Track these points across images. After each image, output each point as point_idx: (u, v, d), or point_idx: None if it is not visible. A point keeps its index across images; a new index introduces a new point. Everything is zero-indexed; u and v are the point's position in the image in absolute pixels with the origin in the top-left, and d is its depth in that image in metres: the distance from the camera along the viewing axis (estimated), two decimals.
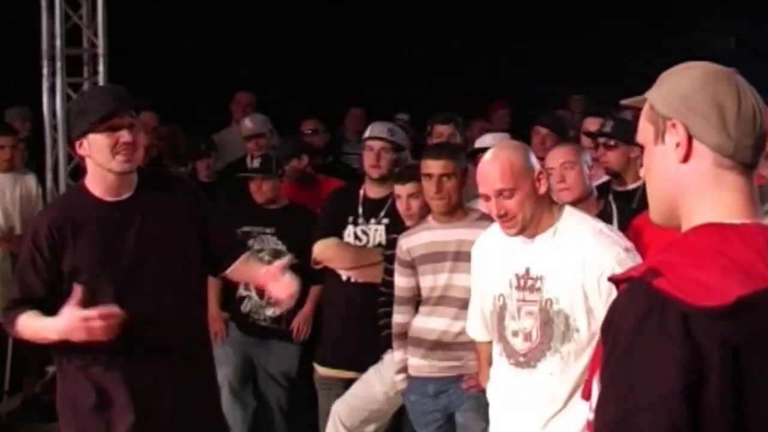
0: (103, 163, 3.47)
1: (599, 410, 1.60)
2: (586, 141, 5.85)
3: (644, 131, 1.75)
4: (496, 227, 3.76)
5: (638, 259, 3.44)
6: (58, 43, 7.02)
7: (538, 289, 3.50)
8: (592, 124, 5.91)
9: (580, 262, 3.44)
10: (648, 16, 11.41)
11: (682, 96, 1.68)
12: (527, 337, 3.53)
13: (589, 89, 9.43)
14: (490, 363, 3.90)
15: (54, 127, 6.96)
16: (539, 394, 3.52)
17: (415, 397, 4.75)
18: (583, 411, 3.13)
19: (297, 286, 3.71)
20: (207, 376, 3.89)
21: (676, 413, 1.48)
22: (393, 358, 4.85)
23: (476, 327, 3.98)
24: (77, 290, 3.32)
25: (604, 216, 4.65)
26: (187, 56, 9.88)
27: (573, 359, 3.45)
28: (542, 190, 3.56)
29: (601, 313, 3.37)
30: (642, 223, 4.06)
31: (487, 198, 3.58)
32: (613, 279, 1.67)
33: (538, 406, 3.54)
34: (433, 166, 4.57)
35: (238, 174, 6.19)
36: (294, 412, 6.27)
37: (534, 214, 3.54)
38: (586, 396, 1.71)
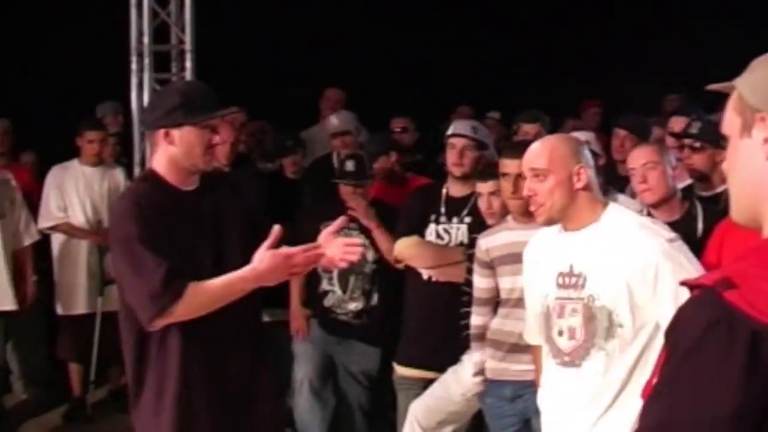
0: (189, 158, 3.47)
1: (646, 410, 1.52)
2: (670, 141, 5.69)
3: (730, 122, 1.62)
4: (544, 230, 3.71)
5: (684, 248, 3.39)
6: (146, 39, 7.11)
7: (582, 286, 3.43)
8: (677, 123, 5.75)
9: (624, 256, 3.36)
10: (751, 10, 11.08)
11: None
12: (572, 335, 3.46)
13: (687, 88, 9.17)
14: None
15: (142, 122, 7.01)
16: (585, 393, 3.43)
17: (491, 400, 4.68)
18: (632, 410, 3.07)
19: (359, 242, 3.77)
20: (266, 367, 3.89)
21: None
22: (471, 359, 4.77)
23: (532, 331, 3.88)
24: (275, 231, 3.28)
25: (689, 218, 4.54)
26: (276, 52, 9.91)
27: (617, 356, 3.36)
28: (579, 185, 3.47)
29: (646, 308, 3.31)
30: (729, 226, 3.92)
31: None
32: (685, 283, 1.56)
33: (585, 406, 3.45)
34: (509, 165, 4.48)
35: (330, 179, 6.14)
36: (374, 412, 6.25)
37: (565, 206, 3.48)
38: (646, 396, 1.61)
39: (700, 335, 1.43)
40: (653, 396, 1.50)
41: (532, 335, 3.89)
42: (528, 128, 6.58)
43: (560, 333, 3.50)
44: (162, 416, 3.52)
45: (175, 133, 3.45)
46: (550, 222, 3.56)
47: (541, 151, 3.54)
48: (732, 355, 1.39)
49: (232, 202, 3.70)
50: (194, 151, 3.45)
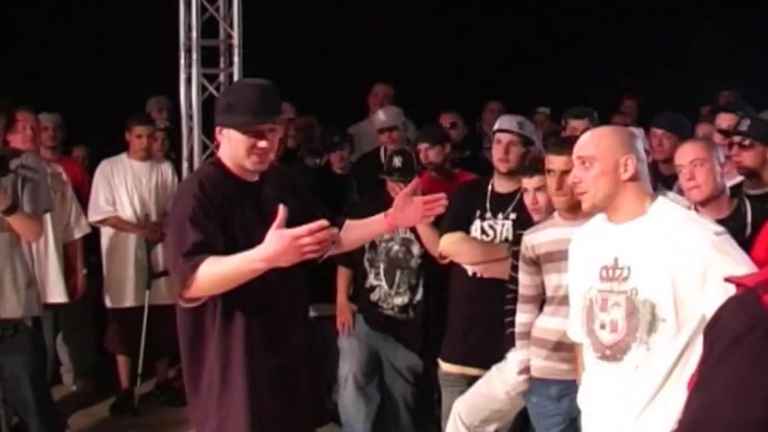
0: (236, 158, 3.61)
1: (688, 402, 1.51)
2: (719, 138, 5.62)
3: None
4: (590, 223, 3.70)
5: (732, 242, 3.33)
6: (194, 34, 7.13)
7: (625, 279, 3.38)
8: (725, 120, 5.68)
9: (669, 249, 3.30)
10: None
11: None
12: (614, 328, 3.41)
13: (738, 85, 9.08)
14: None
15: (190, 117, 7.07)
16: (626, 388, 3.38)
17: (536, 398, 4.64)
18: (673, 406, 3.03)
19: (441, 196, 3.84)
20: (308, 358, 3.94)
21: None
22: (516, 357, 4.74)
23: (576, 327, 3.81)
24: (282, 211, 3.28)
25: (738, 215, 4.48)
26: (324, 47, 9.93)
27: (659, 350, 3.30)
28: (626, 175, 3.43)
29: (692, 302, 3.25)
30: None
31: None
32: (729, 280, 1.54)
33: (626, 401, 3.40)
34: (555, 161, 4.46)
35: (378, 174, 6.15)
36: (420, 408, 6.24)
37: (610, 195, 3.44)
38: (690, 388, 1.59)
39: (736, 338, 1.41)
40: (694, 391, 1.49)
41: (576, 332, 3.84)
42: (576, 124, 6.53)
43: (602, 326, 3.46)
44: (231, 393, 3.60)
45: (225, 132, 3.62)
46: (594, 209, 3.54)
47: (589, 140, 3.53)
48: (766, 362, 1.36)
49: (291, 191, 3.78)
50: (238, 153, 3.58)
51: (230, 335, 3.58)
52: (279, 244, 3.22)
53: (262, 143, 3.53)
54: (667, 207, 3.47)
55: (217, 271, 3.36)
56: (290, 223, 3.49)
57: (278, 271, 3.42)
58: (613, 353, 3.42)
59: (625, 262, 3.40)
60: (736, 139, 5.03)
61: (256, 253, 3.29)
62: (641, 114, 8.71)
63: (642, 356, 3.35)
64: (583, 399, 3.71)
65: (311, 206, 3.87)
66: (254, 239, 3.36)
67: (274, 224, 3.26)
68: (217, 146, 3.80)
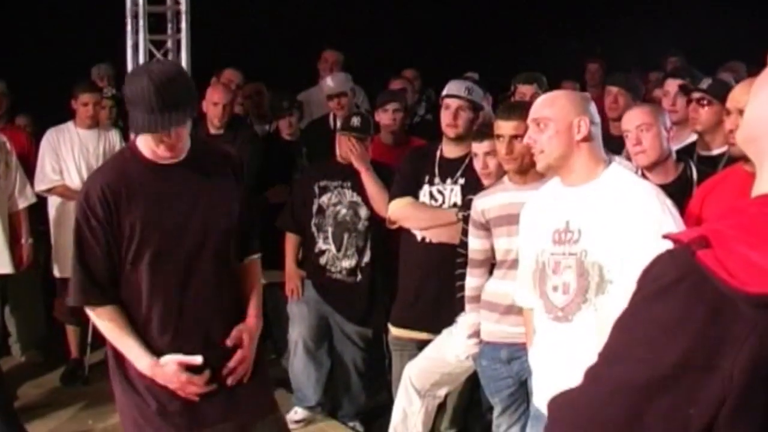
0: (146, 148, 3.47)
1: (602, 350, 1.53)
2: (665, 103, 5.66)
3: None
4: (543, 189, 3.75)
5: (676, 214, 3.41)
6: (141, 1, 7.03)
7: (576, 241, 3.45)
8: (671, 86, 5.74)
9: (620, 213, 3.37)
10: None
11: None
12: (565, 289, 3.49)
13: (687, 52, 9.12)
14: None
15: None
16: (577, 347, 3.39)
17: (486, 362, 4.66)
18: None
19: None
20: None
21: (656, 382, 1.37)
22: (466, 321, 4.76)
23: (526, 293, 3.84)
24: (194, 359, 3.48)
25: (684, 180, 4.52)
26: (273, 14, 9.85)
27: (608, 312, 3.32)
28: (579, 136, 3.51)
29: (640, 265, 3.23)
30: (716, 181, 3.93)
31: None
32: (667, 237, 1.54)
33: (577, 360, 3.40)
34: (504, 126, 4.47)
35: (327, 140, 6.17)
36: (371, 373, 6.27)
37: (564, 156, 3.52)
38: None
39: (664, 287, 1.42)
40: (610, 336, 1.50)
41: (524, 296, 3.88)
42: (525, 89, 6.55)
43: (555, 289, 3.53)
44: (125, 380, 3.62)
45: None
46: (548, 170, 3.60)
47: (544, 102, 3.62)
48: (691, 311, 1.37)
49: (218, 176, 3.63)
50: (149, 144, 3.43)
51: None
52: (167, 375, 3.46)
53: (167, 140, 3.38)
54: (619, 172, 3.53)
55: (110, 335, 3.52)
56: (214, 204, 3.55)
57: (185, 264, 3.51)
58: (565, 314, 3.48)
59: (576, 225, 3.46)
60: (695, 96, 5.08)
61: (144, 358, 3.46)
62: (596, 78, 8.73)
63: (591, 317, 3.39)
64: (533, 358, 3.77)
65: (241, 213, 3.70)
66: (170, 221, 3.41)
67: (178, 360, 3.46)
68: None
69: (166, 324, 3.52)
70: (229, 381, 3.58)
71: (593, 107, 3.66)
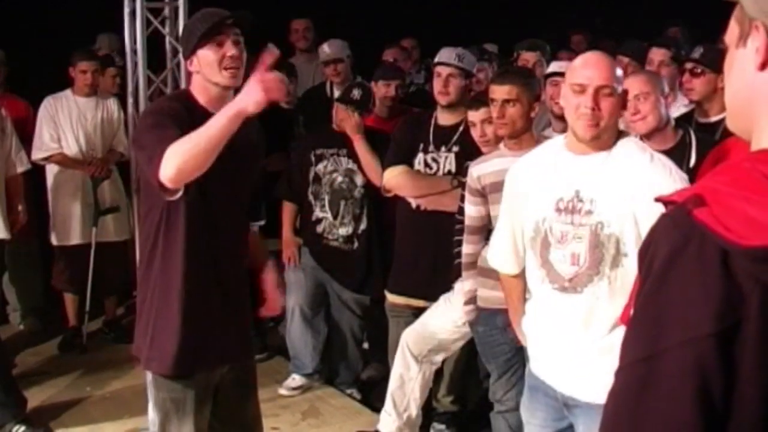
0: (210, 77, 3.56)
1: (626, 344, 1.48)
2: (664, 71, 5.64)
3: (730, 32, 1.57)
4: (536, 151, 3.66)
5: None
6: None
7: (589, 212, 3.36)
8: (656, 54, 5.73)
9: (633, 186, 3.30)
10: None
11: None
12: (574, 261, 3.40)
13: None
14: (520, 299, 3.82)
15: (134, 52, 6.94)
16: (587, 316, 3.39)
17: (483, 328, 4.67)
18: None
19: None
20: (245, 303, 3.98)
21: (705, 357, 1.35)
22: (462, 288, 4.76)
23: (506, 258, 3.80)
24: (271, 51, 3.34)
25: (682, 146, 4.51)
26: None
27: (620, 285, 3.31)
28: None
29: None
30: (724, 149, 3.91)
31: (582, 90, 3.34)
32: (659, 200, 1.53)
33: (587, 327, 3.41)
34: (497, 91, 4.48)
35: (323, 108, 6.16)
36: (371, 340, 6.29)
37: (613, 126, 3.41)
38: (625, 321, 1.58)
39: (671, 255, 1.40)
40: (631, 329, 1.47)
41: (508, 263, 3.82)
42: (527, 56, 6.53)
43: (561, 259, 3.43)
44: (166, 316, 3.65)
45: (194, 59, 3.60)
46: (596, 140, 3.38)
47: (615, 71, 3.40)
48: (705, 274, 1.36)
49: (250, 135, 3.69)
50: (212, 70, 3.55)
51: (171, 263, 3.61)
52: (246, 87, 3.28)
53: (231, 51, 3.51)
54: (631, 144, 3.45)
55: (188, 138, 3.27)
56: (245, 165, 3.63)
57: (221, 205, 3.59)
58: (573, 285, 3.40)
59: (588, 195, 3.37)
60: (688, 65, 5.06)
61: (223, 109, 3.30)
62: (589, 49, 8.69)
63: (604, 289, 3.34)
64: (531, 327, 3.69)
65: (256, 177, 3.93)
66: (214, 172, 3.35)
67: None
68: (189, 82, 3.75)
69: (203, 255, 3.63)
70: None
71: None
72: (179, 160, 3.24)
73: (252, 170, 3.84)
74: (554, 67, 5.56)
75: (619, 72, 3.43)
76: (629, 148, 3.42)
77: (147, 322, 3.70)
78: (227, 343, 3.75)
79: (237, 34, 3.57)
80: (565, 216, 3.42)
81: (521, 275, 3.75)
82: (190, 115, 3.49)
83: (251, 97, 3.21)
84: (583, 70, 3.38)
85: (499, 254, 3.86)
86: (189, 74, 3.77)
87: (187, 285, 3.59)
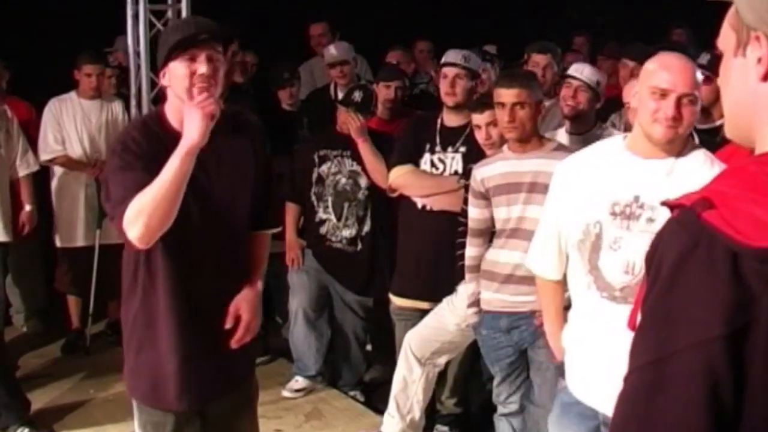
0: (180, 93, 3.32)
1: (634, 349, 1.48)
2: None
3: (725, 38, 1.57)
4: (589, 151, 3.52)
5: None
6: None
7: (650, 220, 3.20)
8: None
9: None
10: None
11: None
12: (629, 269, 3.26)
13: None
14: (560, 309, 3.67)
15: (137, 54, 6.96)
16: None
17: (486, 331, 4.67)
18: None
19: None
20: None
21: (715, 359, 1.34)
22: (465, 290, 4.76)
23: (551, 262, 3.63)
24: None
25: None
26: None
27: None
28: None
29: None
30: (728, 153, 3.89)
31: (664, 95, 3.23)
32: (666, 204, 1.53)
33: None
34: (505, 95, 4.44)
35: (327, 110, 6.17)
36: (376, 343, 6.29)
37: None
38: (632, 326, 1.57)
39: (680, 258, 1.39)
40: (640, 332, 1.46)
41: (549, 268, 3.65)
42: (538, 59, 6.49)
43: (612, 266, 3.28)
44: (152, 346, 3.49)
45: (166, 71, 3.36)
46: (671, 145, 3.26)
47: (693, 76, 3.29)
48: (714, 276, 1.36)
49: (240, 145, 3.54)
50: (180, 85, 3.30)
51: (152, 298, 3.43)
52: (185, 121, 3.17)
53: (202, 68, 3.25)
54: (700, 154, 3.32)
55: (148, 191, 3.13)
56: (234, 180, 3.46)
57: (207, 235, 3.39)
58: (624, 295, 3.23)
59: (649, 202, 3.21)
60: None
61: (171, 157, 3.14)
62: (592, 51, 8.69)
63: None
64: (574, 339, 3.50)
65: (260, 184, 3.64)
66: (191, 208, 3.26)
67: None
68: (164, 99, 3.51)
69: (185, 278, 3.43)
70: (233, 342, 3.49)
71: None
72: (144, 219, 3.12)
73: (248, 179, 3.57)
74: (573, 71, 5.46)
75: (700, 77, 3.33)
76: (698, 158, 3.30)
77: (128, 350, 3.55)
78: (210, 379, 3.56)
79: (213, 49, 3.31)
80: (621, 221, 3.28)
81: (564, 282, 3.60)
82: (159, 143, 3.30)
83: (193, 130, 3.12)
84: (667, 75, 3.25)
85: (543, 259, 3.68)
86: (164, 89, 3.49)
87: (168, 322, 3.42)
